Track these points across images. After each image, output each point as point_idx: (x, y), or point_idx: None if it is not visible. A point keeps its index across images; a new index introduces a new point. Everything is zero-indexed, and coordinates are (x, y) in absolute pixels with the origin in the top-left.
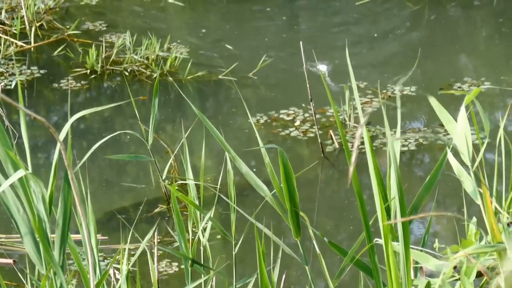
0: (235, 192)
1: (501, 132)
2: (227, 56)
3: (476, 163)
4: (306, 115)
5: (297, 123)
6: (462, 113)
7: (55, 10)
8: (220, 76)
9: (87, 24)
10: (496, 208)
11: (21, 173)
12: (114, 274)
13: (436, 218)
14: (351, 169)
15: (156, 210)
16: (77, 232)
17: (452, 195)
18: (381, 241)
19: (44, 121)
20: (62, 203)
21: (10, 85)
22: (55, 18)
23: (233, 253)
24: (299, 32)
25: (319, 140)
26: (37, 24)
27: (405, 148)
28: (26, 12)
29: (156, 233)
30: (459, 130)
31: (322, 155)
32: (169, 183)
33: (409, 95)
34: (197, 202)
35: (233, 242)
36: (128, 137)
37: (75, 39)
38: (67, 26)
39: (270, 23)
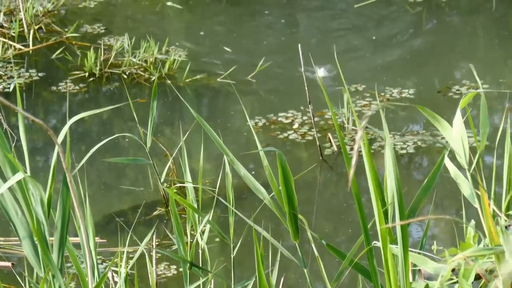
0: (234, 195)
1: (499, 134)
2: (225, 59)
3: (473, 166)
4: (305, 118)
5: (296, 126)
6: (458, 116)
7: (53, 13)
8: (218, 79)
9: (86, 27)
10: (494, 210)
11: (19, 176)
12: (113, 277)
13: (435, 220)
14: (351, 173)
15: (154, 213)
16: (76, 235)
17: (451, 198)
18: (379, 244)
19: (43, 124)
20: (60, 206)
21: (9, 88)
22: (54, 21)
23: (232, 256)
24: (297, 35)
25: (318, 143)
26: (36, 27)
27: (404, 151)
28: (24, 15)
29: (154, 236)
30: (455, 133)
31: (321, 158)
32: (168, 186)
33: (408, 98)
34: (195, 205)
35: (232, 245)
36: (126, 140)
37: (74, 42)
38: (66, 29)
39: (269, 26)
